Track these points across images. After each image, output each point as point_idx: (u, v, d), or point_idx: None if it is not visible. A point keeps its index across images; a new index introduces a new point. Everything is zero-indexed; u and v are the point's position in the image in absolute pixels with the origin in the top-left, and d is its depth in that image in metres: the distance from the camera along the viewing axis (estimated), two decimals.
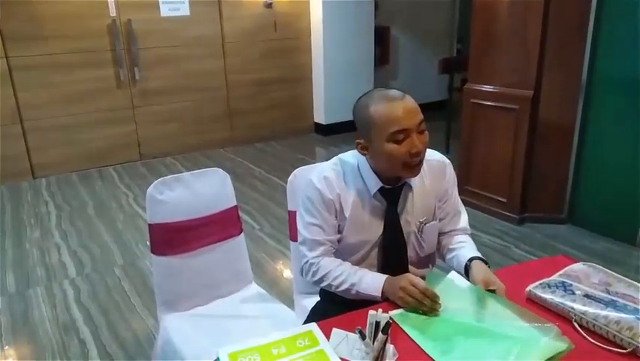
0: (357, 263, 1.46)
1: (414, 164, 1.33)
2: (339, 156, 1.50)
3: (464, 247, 1.48)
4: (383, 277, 1.35)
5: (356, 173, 1.44)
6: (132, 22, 4.70)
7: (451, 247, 1.52)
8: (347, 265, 1.43)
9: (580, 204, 3.38)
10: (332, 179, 1.42)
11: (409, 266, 1.49)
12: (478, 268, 1.36)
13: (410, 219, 1.46)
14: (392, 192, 1.42)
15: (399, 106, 1.30)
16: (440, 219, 1.53)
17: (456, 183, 1.56)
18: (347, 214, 1.42)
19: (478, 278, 1.32)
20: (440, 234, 1.55)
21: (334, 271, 1.40)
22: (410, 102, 1.32)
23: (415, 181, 1.44)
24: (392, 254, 1.47)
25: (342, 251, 1.47)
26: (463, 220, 1.57)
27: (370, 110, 1.32)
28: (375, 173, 1.40)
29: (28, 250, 3.27)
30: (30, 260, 3.13)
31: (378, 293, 1.32)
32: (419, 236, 1.48)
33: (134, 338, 2.37)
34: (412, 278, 1.28)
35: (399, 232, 1.45)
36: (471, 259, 1.39)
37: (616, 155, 3.12)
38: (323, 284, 1.43)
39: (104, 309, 2.61)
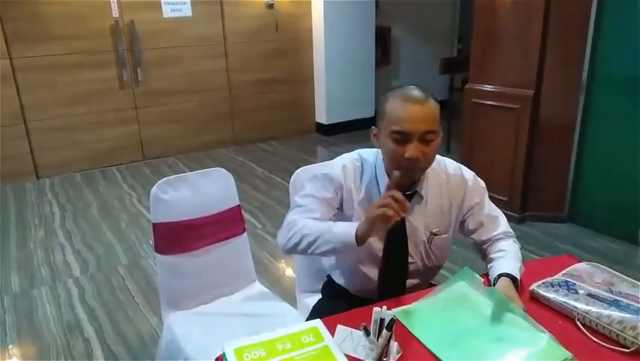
0: (359, 263, 1.47)
1: (407, 167, 1.30)
2: (360, 151, 1.49)
3: (502, 258, 1.39)
4: (356, 223, 1.28)
5: (372, 173, 1.43)
6: (135, 23, 4.72)
7: (491, 256, 1.44)
8: (323, 222, 1.37)
9: (581, 203, 3.39)
10: (350, 171, 1.43)
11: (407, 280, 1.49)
12: (500, 285, 1.28)
13: (420, 227, 1.44)
14: None
15: (409, 109, 1.28)
16: (475, 230, 1.49)
17: (485, 192, 1.50)
18: (351, 212, 1.42)
19: None
20: (481, 243, 1.49)
21: (308, 226, 1.34)
22: (425, 109, 1.28)
23: (427, 191, 1.42)
24: (393, 259, 1.46)
25: None
26: (502, 224, 1.49)
27: (387, 102, 1.33)
28: (389, 176, 1.38)
29: (32, 250, 3.29)
30: (34, 260, 3.15)
31: (352, 234, 1.24)
32: (428, 247, 1.46)
33: (138, 337, 2.38)
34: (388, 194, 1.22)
35: (402, 238, 1.43)
36: (500, 275, 1.31)
37: (617, 153, 3.13)
38: (294, 241, 1.35)
39: (108, 308, 2.62)
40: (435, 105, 1.31)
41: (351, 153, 1.49)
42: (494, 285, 1.31)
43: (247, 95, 5.59)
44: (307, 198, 1.43)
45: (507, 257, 1.39)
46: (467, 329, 1.17)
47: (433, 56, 6.44)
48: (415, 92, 1.31)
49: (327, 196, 1.41)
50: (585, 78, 3.17)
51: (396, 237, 1.43)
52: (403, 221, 1.41)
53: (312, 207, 1.40)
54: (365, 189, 1.43)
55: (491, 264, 1.41)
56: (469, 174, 1.49)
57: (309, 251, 1.34)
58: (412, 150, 1.27)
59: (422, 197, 1.42)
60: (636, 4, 2.87)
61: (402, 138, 1.28)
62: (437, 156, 1.42)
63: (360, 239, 1.25)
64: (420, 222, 1.44)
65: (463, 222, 1.50)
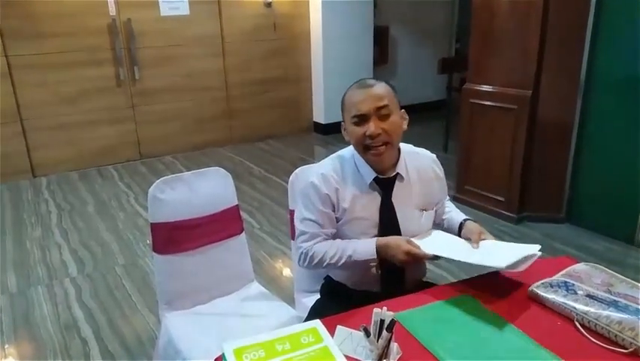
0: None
1: (372, 145, 1.43)
2: (338, 152, 1.58)
3: (453, 212, 1.66)
4: (373, 241, 1.44)
5: (352, 166, 1.51)
6: (132, 22, 4.70)
7: (443, 211, 1.67)
8: (338, 241, 1.50)
9: (578, 204, 3.40)
10: (329, 175, 1.49)
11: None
12: (472, 224, 1.54)
13: (411, 208, 1.53)
14: (386, 182, 1.50)
15: (362, 93, 1.43)
16: (438, 202, 1.65)
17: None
18: (346, 206, 1.48)
19: (474, 230, 1.48)
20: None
21: (330, 251, 1.46)
22: (376, 90, 1.43)
23: (407, 173, 1.53)
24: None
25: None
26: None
27: (345, 95, 1.49)
28: (368, 163, 1.48)
29: (29, 249, 3.27)
30: (31, 259, 3.13)
31: (374, 257, 1.42)
32: (419, 224, 1.54)
33: (136, 337, 2.37)
34: (408, 248, 1.39)
35: (394, 219, 1.50)
36: (465, 220, 1.57)
37: (614, 154, 3.13)
38: (322, 266, 1.48)
39: (105, 308, 2.61)
40: (386, 86, 1.45)
41: (327, 158, 1.58)
42: (460, 230, 1.55)
43: (245, 94, 5.58)
44: (307, 223, 1.50)
45: (455, 211, 1.67)
46: (468, 328, 1.17)
47: (431, 56, 6.45)
48: (366, 80, 1.48)
49: (324, 211, 1.48)
50: (583, 79, 3.17)
51: (388, 222, 1.50)
52: (391, 206, 1.50)
53: (316, 232, 1.49)
54: (353, 186, 1.50)
55: (446, 216, 1.65)
56: (428, 152, 1.65)
57: (334, 268, 1.51)
58: (371, 127, 1.41)
59: (403, 177, 1.52)
60: (634, 6, 2.88)
61: (361, 120, 1.43)
62: (409, 146, 1.59)
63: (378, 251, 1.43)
64: (410, 204, 1.53)
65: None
